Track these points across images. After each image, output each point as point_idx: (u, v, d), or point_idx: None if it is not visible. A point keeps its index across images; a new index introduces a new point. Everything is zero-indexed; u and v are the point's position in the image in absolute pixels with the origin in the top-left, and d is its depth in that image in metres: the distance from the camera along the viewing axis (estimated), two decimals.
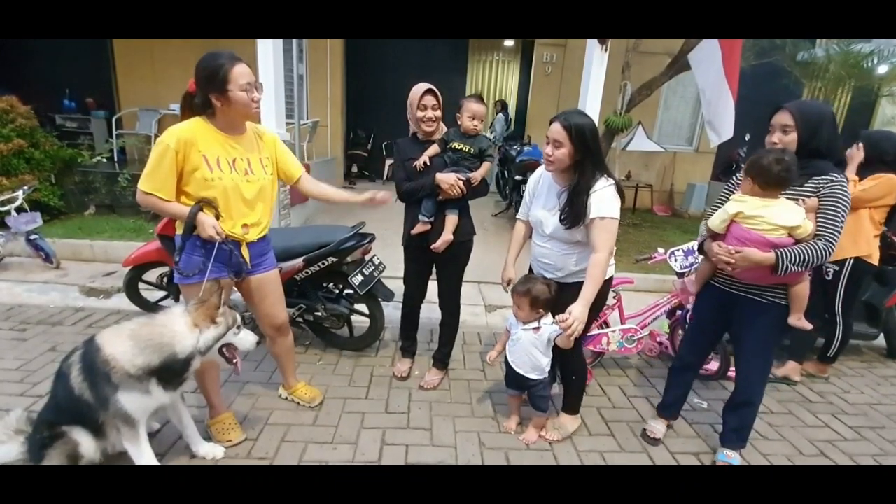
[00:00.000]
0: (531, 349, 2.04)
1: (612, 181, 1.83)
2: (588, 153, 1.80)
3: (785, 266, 1.66)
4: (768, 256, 1.67)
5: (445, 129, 2.32)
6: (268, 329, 2.13)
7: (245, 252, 1.85)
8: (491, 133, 7.16)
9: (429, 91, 2.17)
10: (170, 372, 1.60)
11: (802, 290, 1.78)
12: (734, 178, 1.96)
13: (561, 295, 1.97)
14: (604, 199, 1.79)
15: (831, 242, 1.68)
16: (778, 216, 1.68)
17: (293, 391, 2.32)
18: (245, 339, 1.76)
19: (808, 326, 1.84)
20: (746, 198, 1.75)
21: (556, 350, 2.09)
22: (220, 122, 1.73)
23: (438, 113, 2.22)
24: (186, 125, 1.70)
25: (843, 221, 1.70)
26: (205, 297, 1.63)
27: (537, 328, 2.01)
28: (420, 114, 2.18)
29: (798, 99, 7.31)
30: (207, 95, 1.67)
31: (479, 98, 2.29)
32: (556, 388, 2.37)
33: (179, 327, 1.59)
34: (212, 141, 1.71)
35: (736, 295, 1.89)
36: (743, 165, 1.85)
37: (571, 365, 2.15)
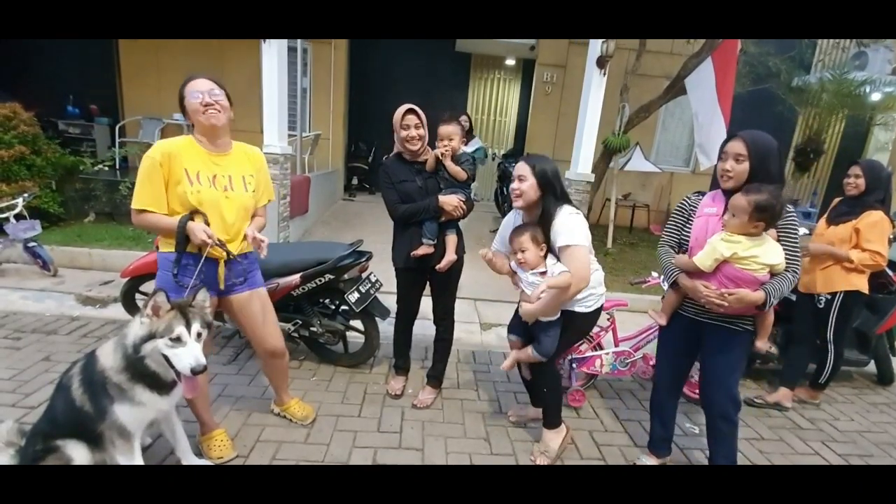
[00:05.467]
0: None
1: (577, 211, 1.95)
2: (550, 187, 1.95)
3: (770, 301, 1.71)
4: (759, 296, 1.71)
5: (431, 151, 2.34)
6: (260, 352, 2.12)
7: (221, 270, 1.85)
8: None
9: (409, 111, 2.21)
10: (137, 370, 1.56)
11: (770, 319, 1.88)
12: (688, 199, 1.99)
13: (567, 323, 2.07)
14: (565, 226, 1.90)
15: (797, 272, 1.77)
16: (768, 255, 1.72)
17: (286, 408, 2.32)
18: (180, 356, 1.50)
19: (772, 349, 1.89)
20: (738, 238, 1.73)
21: (528, 367, 2.16)
22: (199, 137, 1.80)
23: (422, 132, 2.25)
24: (171, 140, 1.78)
25: (799, 249, 1.79)
26: (186, 299, 1.61)
27: (544, 272, 1.97)
28: (403, 133, 2.23)
29: (793, 124, 7.47)
30: (183, 113, 1.78)
31: (449, 119, 2.31)
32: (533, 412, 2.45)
33: (135, 320, 1.59)
34: (194, 156, 1.77)
35: (706, 323, 1.90)
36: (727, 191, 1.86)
37: (542, 380, 2.16)
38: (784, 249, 1.75)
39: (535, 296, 1.88)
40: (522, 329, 2.14)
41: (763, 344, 1.90)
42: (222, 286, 1.88)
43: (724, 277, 1.77)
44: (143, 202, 1.70)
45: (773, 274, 1.75)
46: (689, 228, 1.92)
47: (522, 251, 1.97)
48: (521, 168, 1.98)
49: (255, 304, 2.00)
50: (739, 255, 1.72)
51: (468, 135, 4.63)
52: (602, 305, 2.14)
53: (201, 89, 1.72)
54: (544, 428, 2.23)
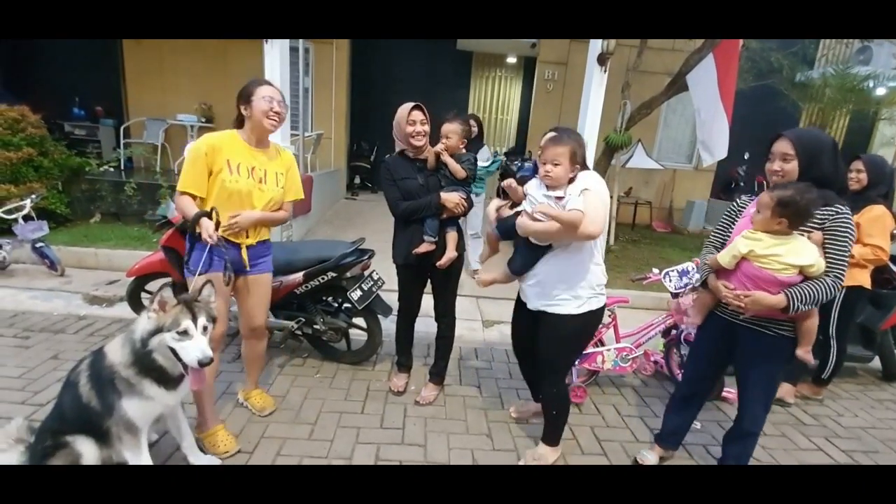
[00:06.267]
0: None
1: (593, 174, 1.86)
2: (584, 164, 1.89)
3: (796, 307, 1.64)
4: (779, 300, 1.65)
5: (430, 148, 2.35)
6: (244, 328, 2.23)
7: (244, 254, 2.02)
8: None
9: (416, 107, 2.24)
10: (145, 364, 1.60)
11: (812, 325, 1.74)
12: (738, 200, 1.95)
13: (541, 322, 2.00)
14: (588, 178, 1.83)
15: (839, 278, 1.66)
16: (791, 255, 1.64)
17: (247, 396, 2.38)
18: (187, 349, 1.55)
19: (813, 361, 1.81)
20: (760, 235, 1.70)
21: (539, 386, 2.12)
22: (246, 133, 2.00)
23: (427, 127, 2.28)
24: (218, 134, 1.97)
25: (848, 255, 1.68)
26: (191, 294, 1.66)
27: (561, 197, 1.83)
28: (409, 129, 2.24)
29: (796, 120, 7.42)
30: (239, 106, 1.97)
31: (452, 118, 2.34)
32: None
33: (142, 315, 1.63)
34: (238, 149, 1.96)
35: (741, 326, 1.83)
36: (742, 184, 1.83)
37: (553, 401, 2.11)
38: (827, 254, 1.66)
39: (537, 211, 1.78)
40: (505, 232, 2.06)
41: (805, 353, 1.76)
42: (248, 267, 2.05)
43: (744, 276, 1.73)
44: (186, 185, 1.90)
45: (807, 277, 1.66)
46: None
47: (555, 164, 1.81)
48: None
49: (261, 286, 2.15)
50: (757, 254, 1.68)
51: (478, 140, 4.24)
52: (603, 306, 2.01)
53: (274, 96, 1.94)
54: (542, 441, 2.18)
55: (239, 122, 2.02)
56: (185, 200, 1.90)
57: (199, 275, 1.79)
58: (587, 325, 2.00)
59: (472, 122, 4.14)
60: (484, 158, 4.20)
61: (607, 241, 5.64)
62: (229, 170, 1.92)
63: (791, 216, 1.63)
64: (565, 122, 7.51)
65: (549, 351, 2.04)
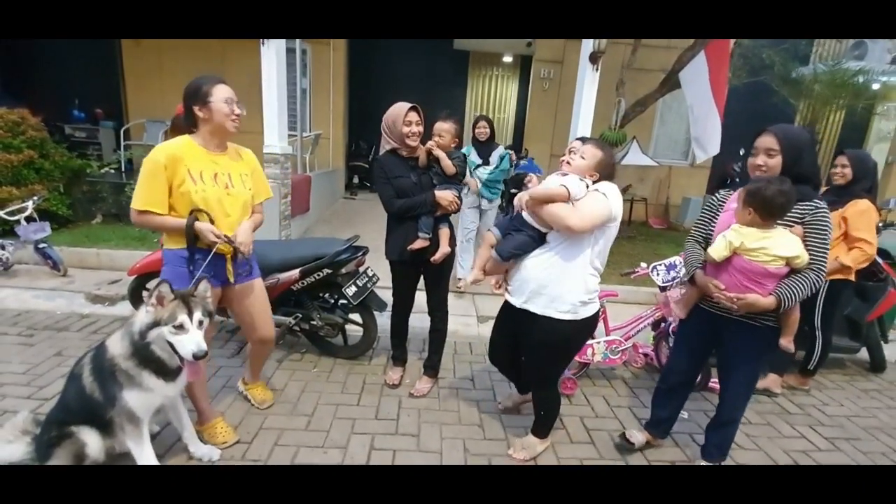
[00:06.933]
0: None
1: (615, 186, 1.86)
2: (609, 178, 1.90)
3: (787, 304, 1.70)
4: (770, 302, 1.70)
5: (421, 146, 2.41)
6: (251, 338, 2.25)
7: (229, 264, 1.95)
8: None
9: (412, 108, 2.30)
10: (143, 356, 1.66)
11: (796, 318, 1.80)
12: (718, 194, 1.99)
13: (526, 325, 1.97)
14: (604, 185, 1.84)
15: (822, 271, 1.71)
16: (778, 247, 1.69)
17: (249, 388, 2.45)
18: (183, 342, 1.60)
19: (793, 349, 1.86)
20: (745, 229, 1.74)
21: (529, 388, 2.15)
22: (202, 138, 1.87)
23: (421, 128, 2.34)
24: (173, 143, 1.84)
25: (829, 248, 1.72)
26: (188, 290, 1.70)
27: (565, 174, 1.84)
28: (406, 129, 2.30)
29: (790, 116, 7.46)
30: (192, 108, 1.81)
31: (446, 117, 2.42)
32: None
33: (141, 309, 1.69)
34: (196, 156, 1.83)
35: (727, 318, 1.87)
36: (738, 180, 1.85)
37: (541, 403, 2.15)
38: (809, 248, 1.70)
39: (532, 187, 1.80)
40: (506, 230, 2.04)
41: (787, 343, 1.83)
42: (232, 279, 1.98)
43: (734, 270, 1.77)
44: (147, 203, 1.76)
45: (793, 268, 1.72)
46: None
47: (581, 157, 1.84)
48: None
49: (254, 293, 2.13)
50: (747, 247, 1.72)
51: (490, 141, 4.10)
52: (592, 315, 1.96)
53: (233, 97, 1.84)
54: (531, 433, 2.22)
55: (189, 125, 1.87)
56: (147, 218, 1.78)
57: (196, 279, 1.75)
58: (574, 334, 1.97)
59: (484, 123, 4.05)
60: (494, 161, 4.08)
61: None
62: (192, 179, 1.79)
63: (758, 206, 1.68)
64: (561, 119, 7.57)
65: (533, 358, 2.07)
